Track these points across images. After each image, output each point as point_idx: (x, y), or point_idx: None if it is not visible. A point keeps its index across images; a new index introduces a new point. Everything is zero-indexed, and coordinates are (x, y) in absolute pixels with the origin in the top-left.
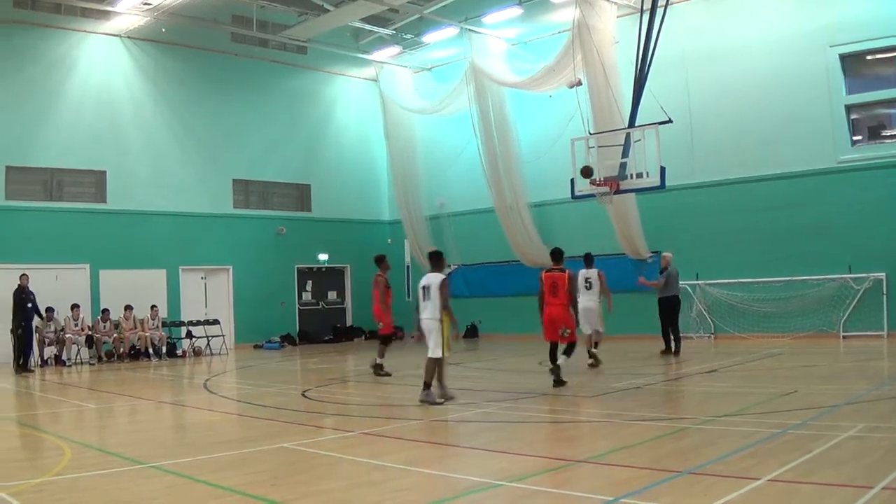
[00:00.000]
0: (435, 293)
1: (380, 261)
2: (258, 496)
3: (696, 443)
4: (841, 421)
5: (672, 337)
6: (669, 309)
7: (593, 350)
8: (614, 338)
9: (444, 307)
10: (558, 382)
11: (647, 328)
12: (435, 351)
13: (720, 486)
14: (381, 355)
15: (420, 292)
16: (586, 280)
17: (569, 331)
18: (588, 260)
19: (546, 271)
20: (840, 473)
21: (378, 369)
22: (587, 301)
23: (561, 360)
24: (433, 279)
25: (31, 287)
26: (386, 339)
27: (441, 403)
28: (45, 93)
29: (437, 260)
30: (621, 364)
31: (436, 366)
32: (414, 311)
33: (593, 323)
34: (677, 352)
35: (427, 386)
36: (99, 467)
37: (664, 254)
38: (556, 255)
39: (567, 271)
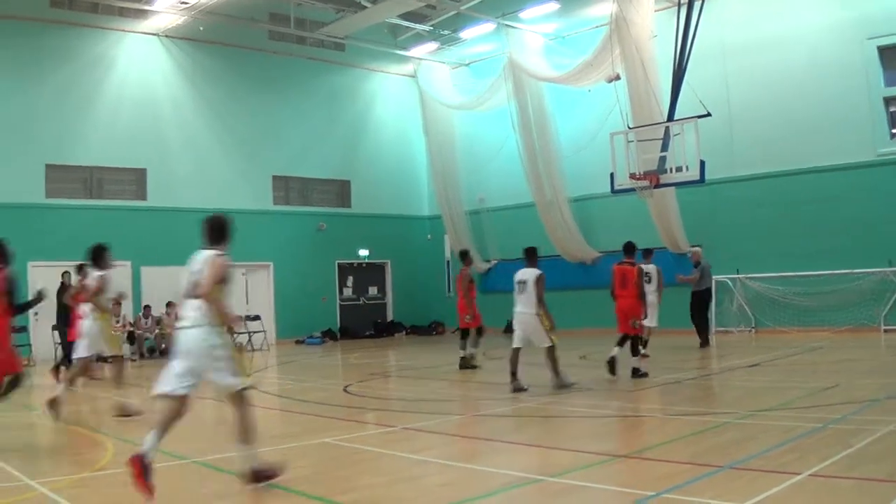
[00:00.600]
0: (531, 287)
1: (464, 255)
2: (300, 491)
3: (736, 437)
4: (882, 416)
5: (698, 330)
6: (704, 303)
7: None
8: (656, 332)
9: (539, 302)
10: (638, 374)
11: (684, 322)
12: (543, 341)
13: (761, 481)
14: (463, 348)
15: (516, 286)
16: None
17: (639, 322)
18: (646, 254)
19: (617, 264)
20: (881, 468)
21: (466, 362)
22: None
23: (617, 351)
24: (529, 274)
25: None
26: (474, 332)
27: (574, 384)
28: (84, 92)
29: (532, 255)
30: (663, 358)
31: (554, 354)
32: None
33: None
34: (707, 343)
35: (556, 374)
36: None
37: (694, 248)
38: (628, 248)
39: (637, 265)
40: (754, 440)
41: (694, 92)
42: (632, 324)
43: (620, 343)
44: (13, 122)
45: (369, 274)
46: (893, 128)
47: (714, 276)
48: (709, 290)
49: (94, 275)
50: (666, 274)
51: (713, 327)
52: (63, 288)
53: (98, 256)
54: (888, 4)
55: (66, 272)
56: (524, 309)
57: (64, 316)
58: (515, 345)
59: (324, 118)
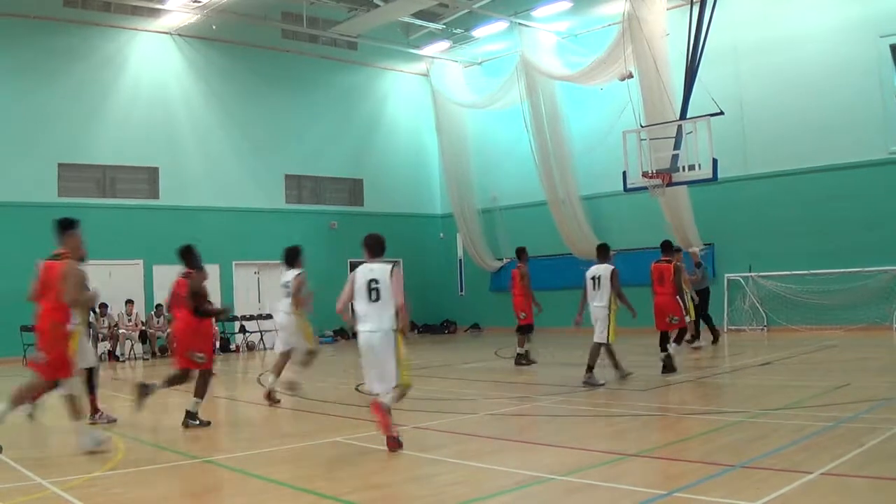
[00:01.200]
0: (606, 283)
1: (521, 253)
2: (312, 490)
3: (748, 436)
4: (894, 414)
5: (707, 326)
6: (705, 301)
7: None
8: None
9: (619, 296)
10: (669, 369)
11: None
12: (601, 336)
13: (773, 480)
14: (521, 344)
15: (589, 282)
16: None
17: (676, 318)
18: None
19: (655, 262)
20: (894, 467)
21: (521, 359)
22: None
23: (671, 347)
24: (604, 270)
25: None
26: (526, 329)
27: (603, 385)
28: (97, 91)
29: (605, 252)
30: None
31: (599, 350)
32: (581, 299)
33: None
34: (694, 339)
35: (590, 369)
36: (152, 462)
37: (693, 249)
38: (665, 247)
39: (674, 262)
40: (766, 439)
41: (706, 90)
42: (669, 320)
43: (676, 339)
44: (26, 120)
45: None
46: None
47: (727, 275)
48: (709, 289)
49: (292, 273)
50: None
51: (725, 326)
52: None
53: (293, 257)
54: None
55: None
56: (598, 303)
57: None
58: (596, 339)
59: (336, 117)
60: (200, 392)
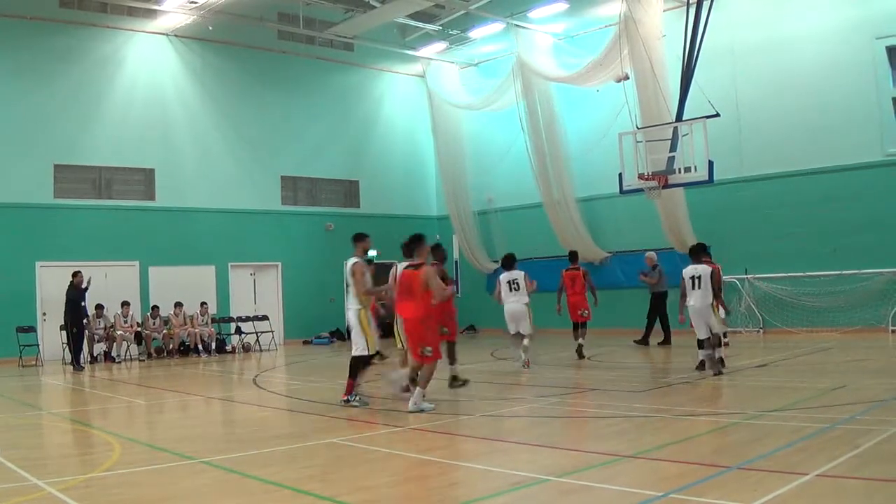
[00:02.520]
0: (707, 281)
1: (575, 256)
2: (308, 491)
3: (745, 438)
4: (890, 416)
5: (662, 326)
6: (663, 303)
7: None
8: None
9: (716, 295)
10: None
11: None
12: (716, 327)
13: (769, 482)
14: (583, 337)
15: (689, 281)
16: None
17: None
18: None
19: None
20: (889, 469)
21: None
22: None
23: (704, 352)
24: (703, 270)
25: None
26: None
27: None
28: (93, 92)
29: (700, 252)
30: (671, 359)
31: (719, 340)
32: (680, 299)
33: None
34: (646, 342)
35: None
36: (148, 463)
37: (650, 253)
38: (697, 250)
39: (712, 266)
40: (762, 441)
41: (702, 92)
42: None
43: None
44: (22, 121)
45: (377, 274)
46: None
47: (723, 277)
48: (665, 294)
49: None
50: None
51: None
52: (74, 287)
53: (438, 252)
54: None
55: (77, 272)
56: (699, 302)
57: (74, 315)
58: (701, 336)
59: (332, 118)
60: (452, 359)
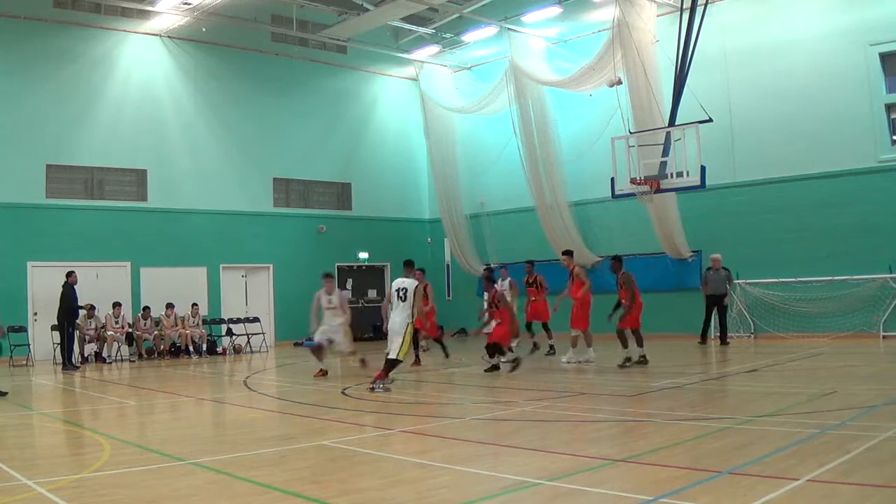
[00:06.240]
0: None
1: (618, 261)
2: (298, 493)
3: (735, 443)
4: (880, 421)
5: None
6: (714, 304)
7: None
8: (653, 336)
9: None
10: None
11: (687, 328)
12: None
13: (760, 487)
14: (640, 345)
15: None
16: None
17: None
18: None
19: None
20: (880, 474)
21: (628, 362)
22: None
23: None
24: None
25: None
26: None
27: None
28: (86, 92)
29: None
30: (662, 363)
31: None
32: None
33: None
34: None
35: None
36: (138, 464)
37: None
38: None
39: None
40: (753, 445)
41: (695, 97)
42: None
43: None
44: (14, 121)
45: (369, 276)
46: (894, 134)
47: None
48: (715, 296)
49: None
50: (668, 279)
51: (712, 332)
52: (69, 287)
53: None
54: (889, 11)
55: (71, 272)
56: None
57: (68, 316)
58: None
59: (325, 120)
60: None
